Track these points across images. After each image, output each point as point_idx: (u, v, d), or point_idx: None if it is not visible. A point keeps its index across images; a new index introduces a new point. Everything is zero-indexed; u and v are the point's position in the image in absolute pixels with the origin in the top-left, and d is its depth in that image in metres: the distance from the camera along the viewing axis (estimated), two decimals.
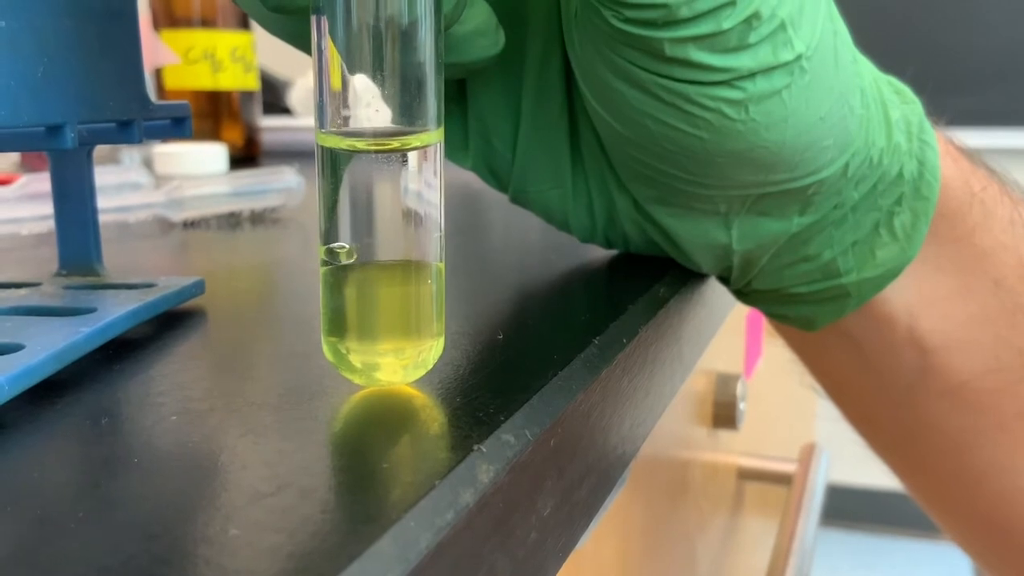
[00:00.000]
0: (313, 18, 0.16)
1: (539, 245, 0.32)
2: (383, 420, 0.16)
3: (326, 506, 0.13)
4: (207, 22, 0.57)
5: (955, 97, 1.73)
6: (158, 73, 0.58)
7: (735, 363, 0.56)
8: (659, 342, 0.25)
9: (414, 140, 0.16)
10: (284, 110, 0.83)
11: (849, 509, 1.88)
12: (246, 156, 0.60)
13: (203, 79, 0.57)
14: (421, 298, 0.17)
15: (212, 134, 0.58)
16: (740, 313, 0.55)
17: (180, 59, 0.57)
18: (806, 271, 0.27)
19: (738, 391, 0.48)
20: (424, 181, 0.16)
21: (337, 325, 0.17)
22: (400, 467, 0.14)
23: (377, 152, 0.16)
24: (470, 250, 0.33)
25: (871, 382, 0.31)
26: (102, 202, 0.38)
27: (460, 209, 0.42)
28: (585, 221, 0.28)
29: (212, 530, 0.12)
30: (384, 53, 0.15)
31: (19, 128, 0.18)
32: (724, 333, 0.49)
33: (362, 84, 0.16)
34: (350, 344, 0.17)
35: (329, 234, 0.16)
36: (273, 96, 0.82)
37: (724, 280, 0.29)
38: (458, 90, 0.27)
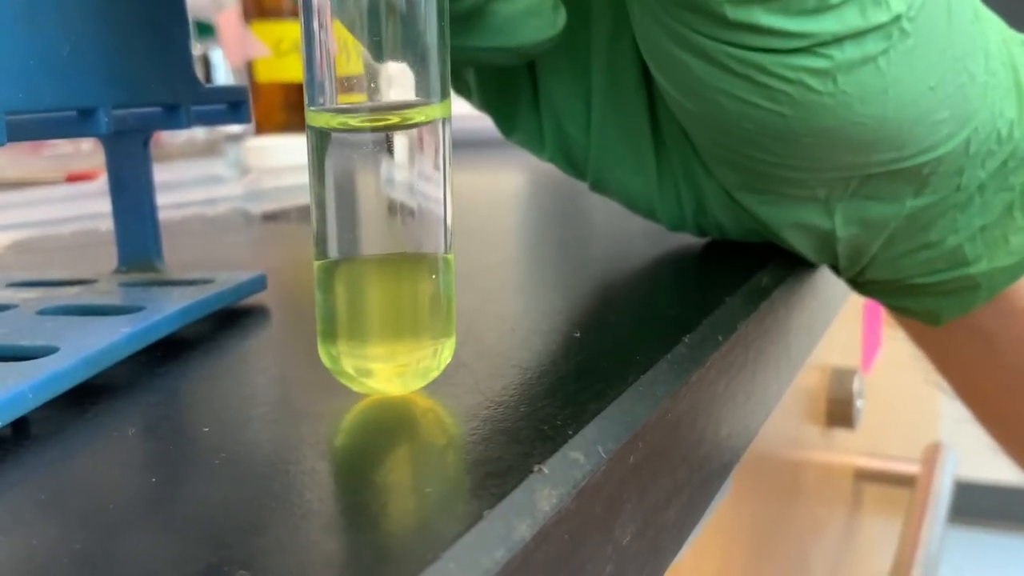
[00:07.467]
0: None
1: (627, 232, 0.29)
2: (432, 435, 0.14)
3: (348, 543, 0.11)
4: (297, 12, 0.56)
5: None
6: (250, 66, 0.57)
7: (851, 356, 0.52)
8: (762, 338, 0.22)
9: (416, 115, 0.14)
10: None
11: (976, 506, 1.79)
12: None
13: (294, 71, 0.56)
14: (419, 295, 0.15)
15: (303, 126, 0.57)
16: (857, 300, 0.51)
17: (271, 51, 0.56)
18: (928, 259, 0.24)
19: (855, 387, 0.44)
20: (422, 167, 0.14)
21: (329, 325, 0.15)
22: (444, 493, 0.12)
23: (373, 129, 0.14)
24: (553, 238, 0.31)
25: (1005, 380, 0.28)
26: (183, 195, 0.38)
27: (542, 195, 0.40)
28: (673, 210, 0.25)
29: (212, 564, 0.10)
30: (379, 13, 0.13)
31: (43, 113, 0.16)
32: (839, 323, 0.45)
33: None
34: (341, 347, 0.15)
35: (319, 223, 0.15)
36: None
37: (835, 269, 0.27)
38: (530, 76, 0.25)
